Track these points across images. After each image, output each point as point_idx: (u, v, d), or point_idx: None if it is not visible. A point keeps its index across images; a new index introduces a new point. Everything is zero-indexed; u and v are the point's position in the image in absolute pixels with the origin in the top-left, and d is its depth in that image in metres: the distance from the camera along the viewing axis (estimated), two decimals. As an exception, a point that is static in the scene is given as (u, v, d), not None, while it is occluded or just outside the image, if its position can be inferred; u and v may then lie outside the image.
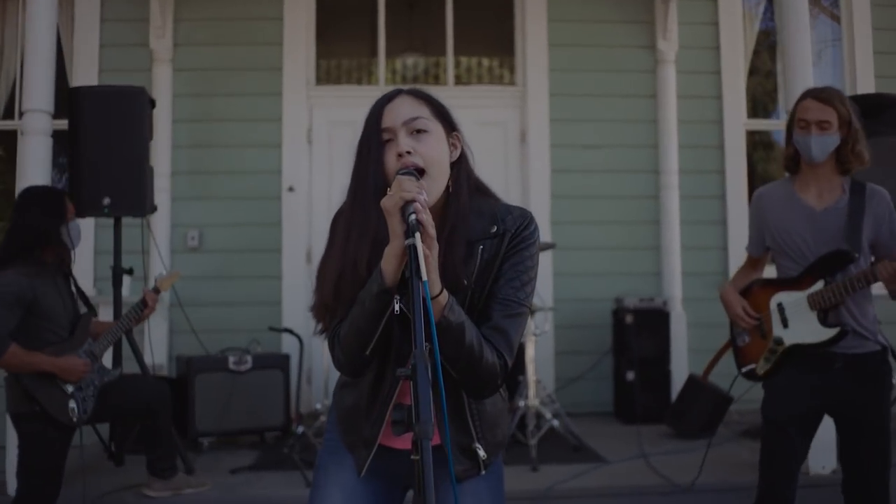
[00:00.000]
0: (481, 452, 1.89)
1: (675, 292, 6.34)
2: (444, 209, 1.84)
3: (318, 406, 5.42)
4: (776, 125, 6.90)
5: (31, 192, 3.95)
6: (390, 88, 1.92)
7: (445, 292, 1.70)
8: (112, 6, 6.39)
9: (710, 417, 5.38)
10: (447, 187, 1.85)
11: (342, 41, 7.06)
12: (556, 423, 5.07)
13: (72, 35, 6.41)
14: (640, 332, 5.97)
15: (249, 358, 5.29)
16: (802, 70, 4.44)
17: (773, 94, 7.28)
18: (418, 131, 1.80)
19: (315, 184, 6.48)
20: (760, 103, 7.04)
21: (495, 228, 1.86)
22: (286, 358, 5.48)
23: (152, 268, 5.75)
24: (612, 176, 6.52)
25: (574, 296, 6.41)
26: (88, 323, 3.99)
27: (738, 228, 6.48)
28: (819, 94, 3.07)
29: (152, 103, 4.71)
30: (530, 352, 5.15)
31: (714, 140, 6.62)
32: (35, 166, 4.26)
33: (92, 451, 4.60)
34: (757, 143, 7.08)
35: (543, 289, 6.18)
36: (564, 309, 6.31)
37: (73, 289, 4.07)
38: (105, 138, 4.43)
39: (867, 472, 2.95)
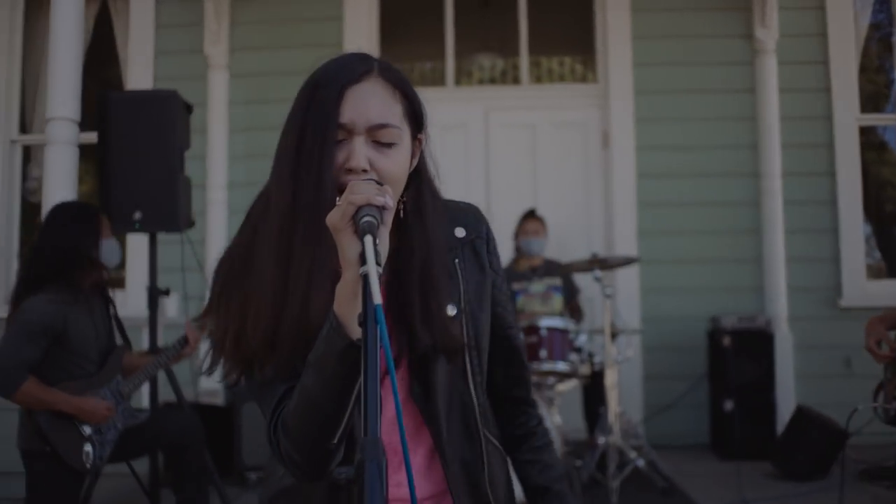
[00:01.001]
0: None
1: (779, 310, 5.62)
2: (398, 235, 1.33)
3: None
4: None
5: (62, 208, 3.62)
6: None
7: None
8: (167, 12, 6.12)
9: (823, 456, 4.71)
10: (400, 206, 1.34)
11: (408, 41, 6.63)
12: (640, 463, 4.45)
13: (127, 43, 6.16)
14: (739, 355, 5.30)
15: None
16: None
17: (885, 92, 6.53)
18: (383, 144, 1.28)
19: (379, 194, 6.03)
20: (870, 101, 6.26)
21: (464, 233, 1.42)
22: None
23: (203, 289, 5.41)
24: (706, 180, 5.85)
25: (664, 315, 5.76)
26: (121, 357, 3.62)
27: (851, 237, 5.73)
28: None
29: (189, 108, 4.32)
30: (611, 380, 4.56)
31: (822, 138, 5.87)
32: (60, 178, 3.94)
33: (126, 484, 4.20)
34: (868, 143, 6.30)
35: (629, 308, 5.61)
36: (653, 330, 5.67)
37: (112, 316, 3.71)
38: (136, 147, 4.05)
39: None
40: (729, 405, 5.27)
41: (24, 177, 6.27)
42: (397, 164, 1.29)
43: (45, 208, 3.75)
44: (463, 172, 6.06)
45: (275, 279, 1.24)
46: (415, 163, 1.36)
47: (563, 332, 4.67)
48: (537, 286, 5.18)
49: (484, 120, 6.16)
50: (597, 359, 4.77)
